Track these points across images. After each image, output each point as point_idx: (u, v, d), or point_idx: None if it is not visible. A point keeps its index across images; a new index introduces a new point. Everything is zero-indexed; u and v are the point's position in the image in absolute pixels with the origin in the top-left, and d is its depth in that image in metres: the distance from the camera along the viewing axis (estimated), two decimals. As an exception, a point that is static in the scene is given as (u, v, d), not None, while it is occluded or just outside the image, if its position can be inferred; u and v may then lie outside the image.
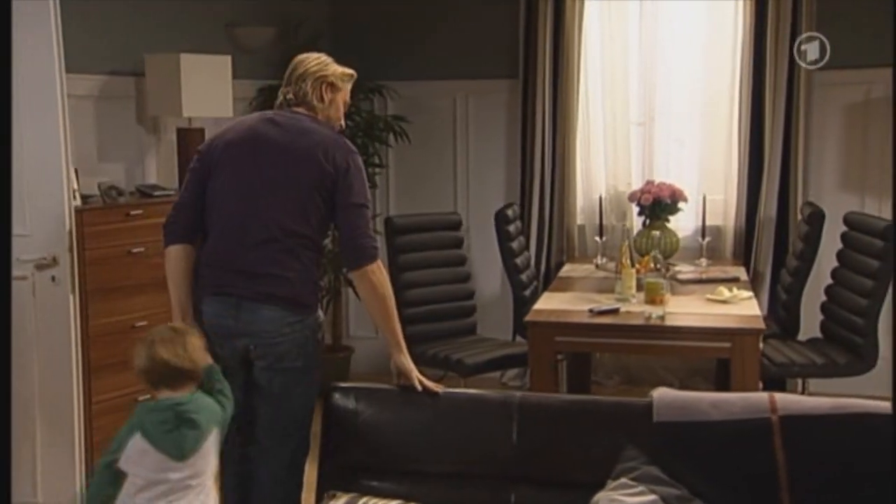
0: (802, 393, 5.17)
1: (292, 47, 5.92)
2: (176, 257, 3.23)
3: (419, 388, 3.10)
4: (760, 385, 5.43)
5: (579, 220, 6.01)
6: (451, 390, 3.15)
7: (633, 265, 4.54)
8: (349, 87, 3.37)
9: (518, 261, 5.29)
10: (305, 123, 3.22)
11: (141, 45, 4.98)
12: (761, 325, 4.13)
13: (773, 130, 5.59)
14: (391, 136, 6.13)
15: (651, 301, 4.14)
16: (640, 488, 2.65)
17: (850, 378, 4.74)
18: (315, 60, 3.33)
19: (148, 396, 2.89)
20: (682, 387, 5.94)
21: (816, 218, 4.97)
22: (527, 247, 5.77)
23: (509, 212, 5.33)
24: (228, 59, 5.05)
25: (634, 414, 2.88)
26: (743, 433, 2.71)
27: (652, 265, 4.41)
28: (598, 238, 5.56)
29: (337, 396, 3.08)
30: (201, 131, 5.06)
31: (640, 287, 4.37)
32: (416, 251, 5.10)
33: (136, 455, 2.68)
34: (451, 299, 5.17)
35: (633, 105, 5.96)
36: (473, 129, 6.33)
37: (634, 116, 5.96)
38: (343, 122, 3.39)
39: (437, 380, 5.13)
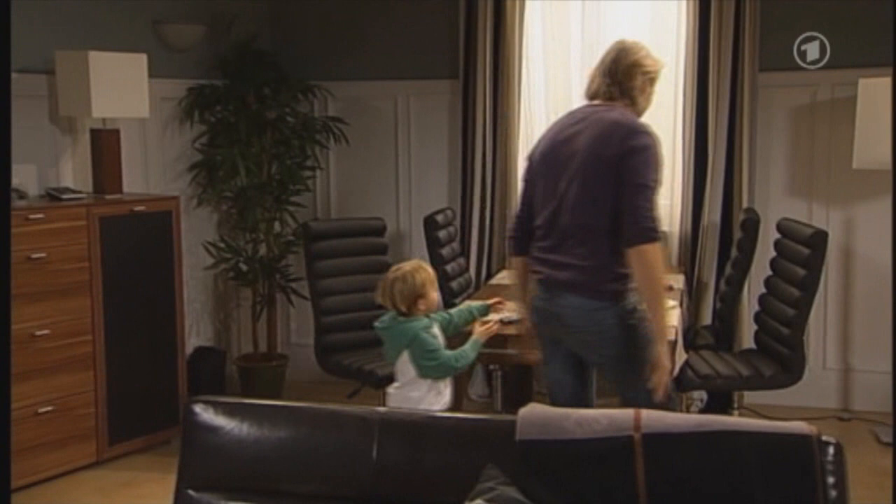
0: (737, 407, 5.03)
1: (225, 46, 5.81)
2: (516, 267, 3.72)
3: (660, 389, 3.22)
4: (704, 399, 5.30)
5: (521, 226, 5.82)
6: (315, 405, 2.97)
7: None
8: None
9: (448, 268, 5.14)
10: (599, 114, 3.34)
11: (59, 41, 4.84)
12: (672, 336, 3.95)
13: (717, 133, 5.43)
14: (329, 138, 6.00)
15: (562, 311, 3.95)
16: (495, 511, 2.50)
17: (789, 388, 4.57)
18: (643, 54, 3.42)
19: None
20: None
21: (751, 225, 4.80)
22: (462, 253, 5.61)
23: (439, 217, 5.18)
24: (144, 57, 4.89)
25: (500, 432, 2.70)
26: (605, 452, 2.55)
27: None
28: (535, 244, 5.38)
29: (197, 411, 2.91)
30: (116, 132, 4.92)
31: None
32: (334, 257, 4.93)
33: None
34: (369, 308, 4.98)
35: (576, 107, 5.76)
36: (415, 130, 6.17)
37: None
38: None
39: (354, 392, 4.99)
